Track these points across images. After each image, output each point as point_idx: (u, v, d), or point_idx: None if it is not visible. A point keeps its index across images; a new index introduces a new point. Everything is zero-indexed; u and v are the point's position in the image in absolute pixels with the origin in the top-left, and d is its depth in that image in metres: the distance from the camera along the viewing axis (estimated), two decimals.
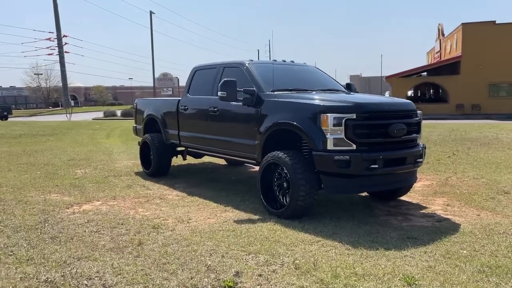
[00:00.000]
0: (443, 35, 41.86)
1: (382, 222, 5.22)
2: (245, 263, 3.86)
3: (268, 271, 3.68)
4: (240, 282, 3.48)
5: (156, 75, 51.76)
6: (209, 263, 3.86)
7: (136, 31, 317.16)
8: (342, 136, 4.88)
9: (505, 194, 6.45)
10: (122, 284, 3.46)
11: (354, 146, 4.90)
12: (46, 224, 5.11)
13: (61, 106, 62.53)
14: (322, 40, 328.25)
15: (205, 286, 3.42)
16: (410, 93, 41.72)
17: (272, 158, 5.33)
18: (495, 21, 31.64)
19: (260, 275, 3.61)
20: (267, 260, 3.91)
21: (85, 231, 4.85)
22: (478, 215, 5.44)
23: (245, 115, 6.01)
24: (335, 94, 5.93)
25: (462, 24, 32.20)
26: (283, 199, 5.40)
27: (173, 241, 4.46)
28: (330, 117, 4.88)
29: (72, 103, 61.99)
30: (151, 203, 6.22)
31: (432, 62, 45.25)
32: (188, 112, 7.27)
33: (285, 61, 6.89)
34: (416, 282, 3.45)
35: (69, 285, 3.44)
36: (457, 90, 32.17)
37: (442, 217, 5.42)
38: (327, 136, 4.90)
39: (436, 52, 44.22)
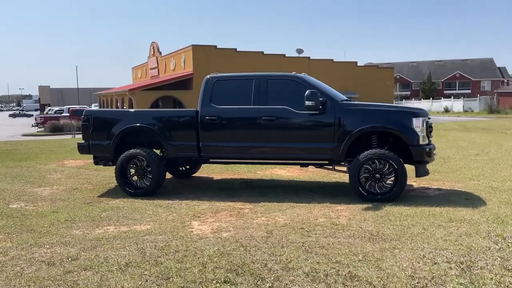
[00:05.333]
0: (159, 52, 45.74)
1: (428, 196, 7.17)
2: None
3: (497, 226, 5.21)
4: None
5: None
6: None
7: None
8: (424, 134, 6.70)
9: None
10: None
11: (427, 141, 6.79)
12: (262, 245, 4.69)
13: None
14: None
15: None
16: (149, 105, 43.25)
17: (374, 155, 6.50)
18: (216, 45, 37.53)
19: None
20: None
21: (331, 240, 4.85)
22: (456, 183, 8.07)
23: (318, 121, 6.84)
24: (387, 104, 7.53)
25: (192, 45, 36.61)
26: (370, 188, 6.65)
27: (403, 230, 5.19)
28: (421, 119, 6.62)
29: None
30: (244, 214, 6.12)
31: (148, 77, 48.43)
32: (221, 122, 7.13)
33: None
34: None
35: None
36: (191, 104, 36.19)
37: (443, 189, 7.63)
38: (419, 134, 6.59)
39: (152, 68, 47.58)
